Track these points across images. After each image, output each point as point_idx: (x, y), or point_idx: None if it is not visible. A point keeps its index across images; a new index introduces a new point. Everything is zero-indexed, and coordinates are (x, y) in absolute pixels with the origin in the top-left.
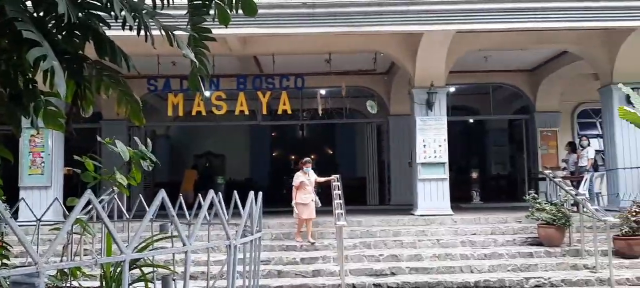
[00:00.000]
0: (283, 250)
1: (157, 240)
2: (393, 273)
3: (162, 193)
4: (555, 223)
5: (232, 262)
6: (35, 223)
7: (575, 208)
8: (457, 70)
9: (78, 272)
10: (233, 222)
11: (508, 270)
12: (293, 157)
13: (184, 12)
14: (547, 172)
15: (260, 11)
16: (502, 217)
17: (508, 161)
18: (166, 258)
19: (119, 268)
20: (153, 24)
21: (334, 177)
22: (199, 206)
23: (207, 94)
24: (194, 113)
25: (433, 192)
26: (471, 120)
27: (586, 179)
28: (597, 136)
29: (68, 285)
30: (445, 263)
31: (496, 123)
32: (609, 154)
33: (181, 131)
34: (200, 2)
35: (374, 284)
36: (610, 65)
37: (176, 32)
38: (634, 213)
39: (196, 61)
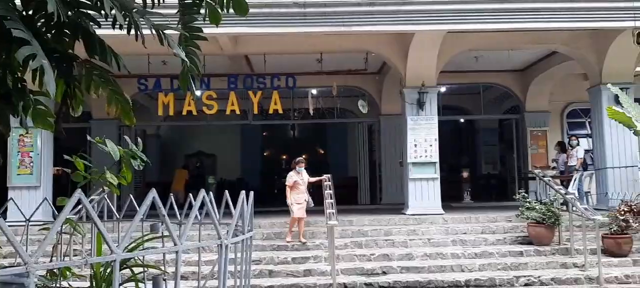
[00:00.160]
0: (274, 250)
1: (147, 240)
2: (384, 273)
3: (153, 193)
4: (545, 222)
5: (224, 262)
6: (24, 223)
7: (564, 208)
8: (448, 70)
9: (68, 272)
10: (224, 222)
11: (498, 269)
12: (284, 157)
13: (175, 11)
14: (537, 171)
15: (251, 10)
16: (493, 216)
17: (498, 161)
18: (157, 258)
19: (109, 269)
20: (144, 22)
21: (325, 176)
22: (190, 206)
23: (198, 93)
24: (184, 112)
25: (424, 191)
26: (462, 120)
27: (575, 178)
28: (586, 136)
29: (58, 285)
30: (436, 262)
31: (487, 123)
32: (598, 154)
33: (172, 131)
34: (191, 1)
35: (365, 283)
36: (599, 66)
37: (167, 31)
38: (622, 212)
39: (187, 60)
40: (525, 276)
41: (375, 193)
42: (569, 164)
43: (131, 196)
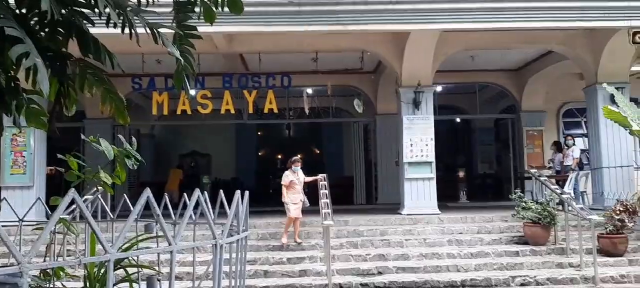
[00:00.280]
0: (269, 250)
1: (142, 240)
2: (380, 273)
3: (147, 193)
4: (540, 222)
5: (218, 262)
6: (17, 223)
7: (560, 207)
8: (444, 69)
9: (61, 273)
10: (219, 222)
11: (494, 269)
12: (280, 157)
13: (169, 9)
14: (532, 171)
15: (246, 9)
16: (489, 216)
17: (494, 160)
18: (151, 259)
19: (103, 269)
20: (138, 21)
21: (320, 176)
22: (185, 206)
23: (192, 92)
24: (179, 112)
25: (420, 191)
26: (458, 120)
27: (571, 178)
28: (582, 135)
29: (51, 285)
30: (432, 262)
31: (482, 122)
32: (594, 153)
33: (166, 130)
34: None
35: (361, 284)
36: (595, 65)
37: (161, 30)
38: (618, 212)
39: (181, 59)
40: (521, 276)
41: (371, 193)
42: (564, 164)
43: (125, 196)
